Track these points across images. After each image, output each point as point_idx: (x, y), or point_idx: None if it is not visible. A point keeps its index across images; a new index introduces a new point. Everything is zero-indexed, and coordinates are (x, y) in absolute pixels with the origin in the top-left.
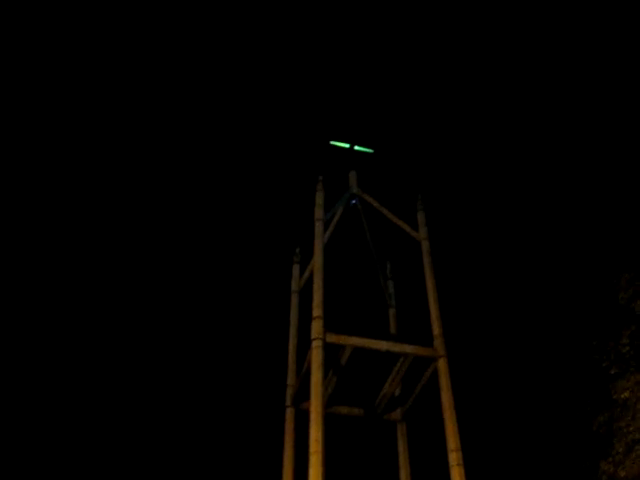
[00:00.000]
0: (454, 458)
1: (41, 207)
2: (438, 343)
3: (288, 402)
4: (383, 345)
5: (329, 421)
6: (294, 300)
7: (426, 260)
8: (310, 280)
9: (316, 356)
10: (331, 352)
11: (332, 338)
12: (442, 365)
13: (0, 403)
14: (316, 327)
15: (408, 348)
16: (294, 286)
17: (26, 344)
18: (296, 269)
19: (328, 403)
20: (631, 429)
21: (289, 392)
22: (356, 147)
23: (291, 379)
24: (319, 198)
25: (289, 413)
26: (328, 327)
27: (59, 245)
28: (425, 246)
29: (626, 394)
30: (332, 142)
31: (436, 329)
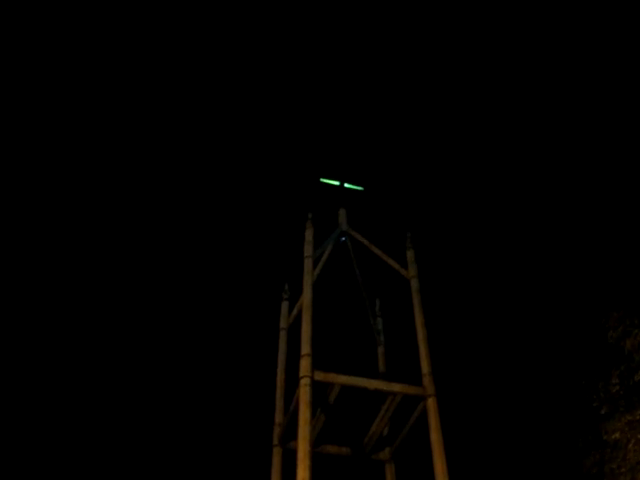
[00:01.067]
0: None
1: (41, 207)
2: (427, 382)
3: (275, 441)
4: (372, 384)
5: (317, 460)
6: (282, 337)
7: (415, 298)
8: (299, 317)
9: (304, 394)
10: (319, 390)
11: (320, 376)
12: (431, 404)
13: (0, 403)
14: (304, 365)
15: (397, 387)
16: (283, 323)
17: (26, 344)
18: (285, 306)
19: (316, 442)
20: (622, 470)
21: (276, 431)
22: (346, 185)
23: (279, 417)
24: (308, 235)
25: (276, 452)
26: (316, 365)
27: (57, 245)
28: (414, 284)
29: (617, 435)
30: (322, 179)
31: (425, 367)
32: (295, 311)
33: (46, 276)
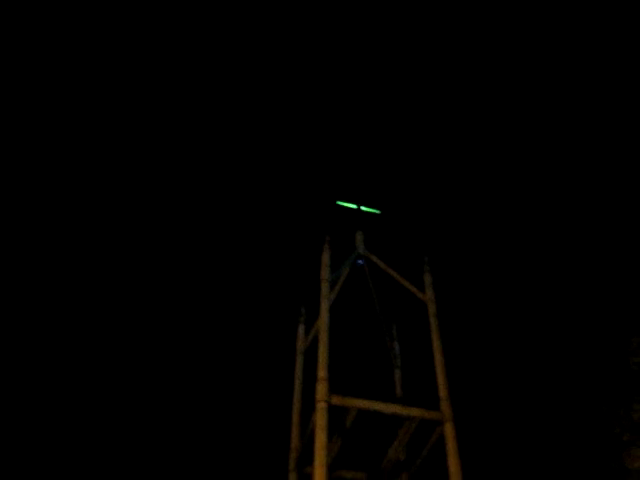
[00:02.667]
0: None
1: (41, 207)
2: (445, 406)
3: (291, 466)
4: (389, 408)
5: None
6: (299, 361)
7: (432, 322)
8: (315, 340)
9: (320, 418)
10: (336, 414)
11: (337, 400)
12: (449, 429)
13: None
14: (321, 389)
15: (414, 411)
16: (299, 346)
17: (25, 344)
18: (301, 329)
19: (332, 467)
20: None
21: (292, 455)
22: (363, 208)
23: (294, 442)
24: (325, 258)
25: (292, 477)
26: (333, 389)
27: (57, 246)
28: (431, 308)
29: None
30: (339, 202)
31: (442, 392)
32: (311, 335)
33: (52, 278)
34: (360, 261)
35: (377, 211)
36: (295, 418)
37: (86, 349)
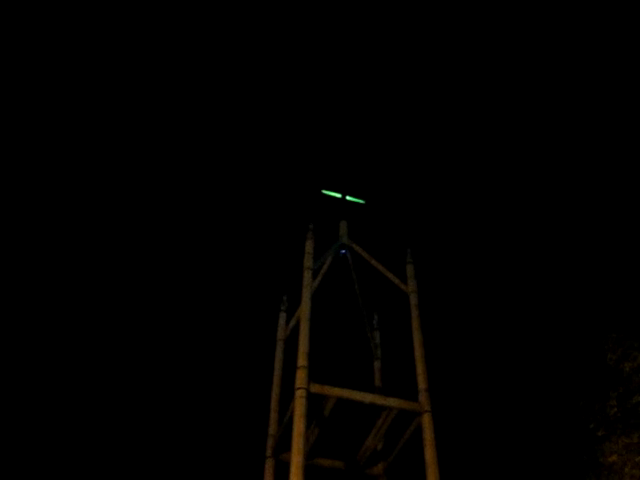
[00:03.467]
0: None
1: (41, 207)
2: (423, 398)
3: (268, 452)
4: (367, 397)
5: (310, 473)
6: (279, 348)
7: (414, 313)
8: (296, 329)
9: (299, 406)
10: (315, 403)
11: (316, 388)
12: (426, 420)
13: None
14: (300, 377)
15: (392, 402)
16: (280, 334)
17: (26, 344)
18: (282, 317)
19: (309, 455)
20: None
21: (270, 442)
22: (348, 197)
23: (272, 429)
24: (309, 246)
25: (269, 464)
26: (313, 377)
27: (56, 245)
28: (413, 299)
29: (614, 457)
30: (324, 191)
31: (422, 383)
32: (293, 323)
33: (44, 277)
34: (343, 251)
35: (362, 201)
36: (274, 405)
37: (79, 342)
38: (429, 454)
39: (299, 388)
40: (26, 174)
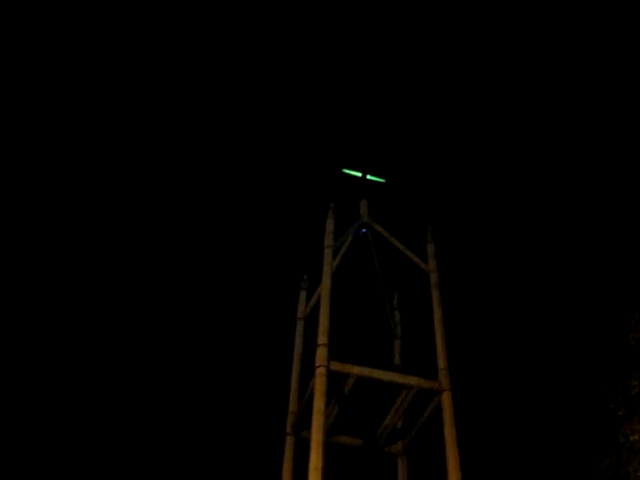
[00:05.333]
0: None
1: (41, 207)
2: (443, 376)
3: (288, 429)
4: (387, 376)
5: (329, 450)
6: (299, 327)
7: (434, 293)
8: (316, 307)
9: (319, 384)
10: (335, 381)
11: (336, 366)
12: (446, 399)
13: (0, 403)
14: (321, 354)
15: (412, 380)
16: (300, 313)
17: (26, 344)
18: (303, 296)
19: (329, 432)
20: (639, 474)
21: (290, 419)
22: (368, 176)
23: (293, 406)
24: (329, 225)
25: (289, 441)
26: (332, 355)
27: (57, 246)
28: (434, 279)
29: (635, 437)
30: (344, 170)
31: (441, 362)
32: (313, 301)
33: (56, 278)
34: (364, 230)
35: (382, 180)
36: (294, 383)
37: (81, 343)
38: (448, 433)
39: (319, 366)
40: (26, 174)
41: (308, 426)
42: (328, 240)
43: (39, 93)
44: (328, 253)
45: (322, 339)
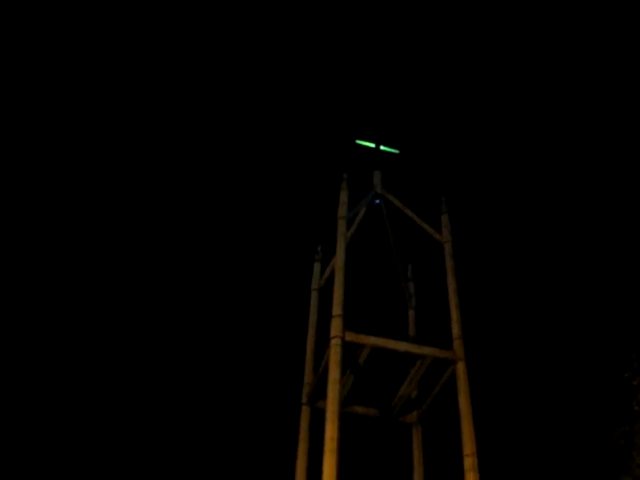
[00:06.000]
0: (469, 463)
1: (41, 207)
2: (457, 346)
3: (304, 400)
4: (402, 346)
5: (344, 420)
6: (314, 298)
7: (448, 263)
8: (331, 279)
9: (334, 354)
10: (349, 351)
11: (351, 337)
12: (460, 368)
13: (0, 403)
14: (336, 325)
15: (427, 350)
16: (314, 284)
17: (27, 344)
18: (317, 267)
19: (344, 402)
20: None
21: (305, 390)
22: (382, 147)
23: (308, 377)
24: (343, 196)
25: (304, 411)
26: (347, 326)
27: (59, 246)
28: (448, 249)
29: None
30: (358, 141)
31: (456, 332)
32: (327, 273)
33: (55, 278)
34: (377, 200)
35: (396, 151)
36: (309, 354)
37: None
38: (463, 402)
39: (334, 337)
40: (25, 174)
41: (324, 396)
42: (342, 211)
43: (39, 93)
44: (342, 224)
45: (337, 310)
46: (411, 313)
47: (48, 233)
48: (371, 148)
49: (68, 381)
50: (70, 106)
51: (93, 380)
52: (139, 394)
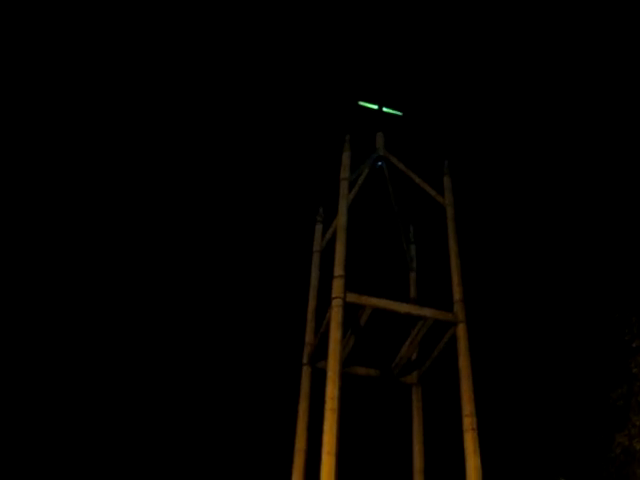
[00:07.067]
0: (468, 423)
1: (41, 207)
2: (458, 308)
3: (305, 360)
4: (403, 307)
5: (345, 381)
6: (315, 259)
7: (450, 226)
8: (332, 241)
9: (336, 315)
10: (351, 312)
11: (352, 298)
12: (461, 330)
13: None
14: (337, 286)
15: (428, 312)
16: (316, 246)
17: (27, 345)
18: (319, 229)
19: (345, 363)
20: None
21: (306, 350)
22: (385, 109)
23: (309, 337)
24: (345, 158)
25: (305, 371)
26: (349, 287)
27: (59, 246)
28: (450, 212)
29: None
30: (361, 103)
31: (457, 294)
32: (329, 234)
33: (55, 278)
34: (380, 163)
35: (399, 113)
36: (310, 315)
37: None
38: (463, 364)
39: (336, 297)
40: (26, 174)
41: (325, 356)
42: (344, 173)
43: (39, 93)
44: (344, 186)
45: (338, 271)
46: (412, 275)
47: (48, 233)
48: (374, 110)
49: (65, 380)
50: (70, 106)
51: (87, 372)
52: (138, 353)
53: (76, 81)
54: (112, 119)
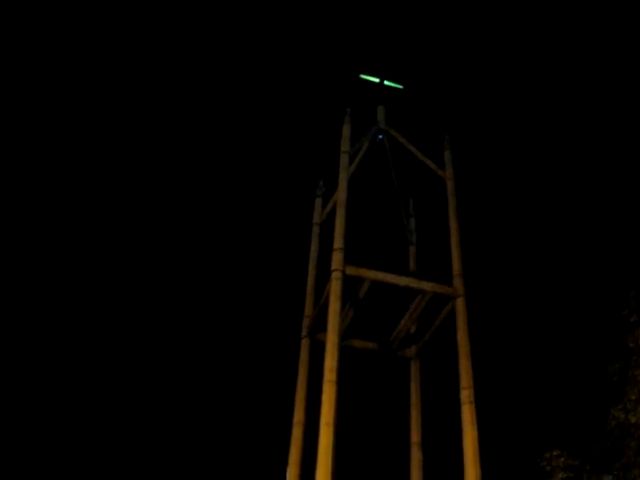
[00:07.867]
0: (466, 395)
1: (41, 207)
2: (457, 282)
3: (304, 332)
4: (402, 280)
5: (343, 354)
6: (315, 232)
7: (450, 200)
8: (332, 214)
9: (335, 287)
10: (350, 285)
11: (352, 270)
12: (460, 304)
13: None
14: (337, 258)
15: (427, 285)
16: (316, 218)
17: (26, 345)
18: (318, 202)
19: (344, 336)
20: None
21: (305, 323)
22: (386, 82)
23: (308, 310)
24: (346, 130)
25: (304, 343)
26: (348, 260)
27: (59, 246)
28: (450, 186)
29: None
30: (362, 75)
31: (456, 268)
32: (329, 207)
33: (53, 278)
34: (380, 136)
35: (400, 86)
36: (309, 287)
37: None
38: (462, 338)
39: (335, 270)
40: (26, 174)
41: (324, 329)
42: (344, 146)
43: (39, 93)
44: (344, 159)
45: (338, 243)
46: (412, 249)
47: (48, 233)
48: (375, 83)
49: (64, 380)
50: (70, 106)
51: (86, 370)
52: (136, 340)
53: (76, 81)
54: (105, 112)
